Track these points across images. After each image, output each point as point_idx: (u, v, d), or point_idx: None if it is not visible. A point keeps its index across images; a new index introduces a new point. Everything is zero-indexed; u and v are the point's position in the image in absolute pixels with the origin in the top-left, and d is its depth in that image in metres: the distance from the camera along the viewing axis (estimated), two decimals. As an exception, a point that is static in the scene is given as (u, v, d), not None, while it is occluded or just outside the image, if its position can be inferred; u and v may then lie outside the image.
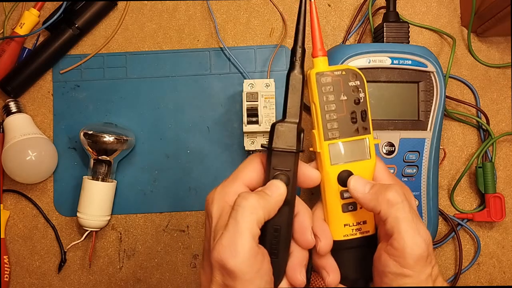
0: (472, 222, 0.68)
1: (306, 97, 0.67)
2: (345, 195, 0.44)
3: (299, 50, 0.43)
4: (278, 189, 0.41)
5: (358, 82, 0.43)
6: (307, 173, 0.43)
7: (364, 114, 0.43)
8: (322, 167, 0.44)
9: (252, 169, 0.43)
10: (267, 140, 0.43)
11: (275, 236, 0.41)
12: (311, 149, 0.44)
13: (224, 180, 0.43)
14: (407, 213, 0.40)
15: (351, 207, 0.44)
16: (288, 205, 0.41)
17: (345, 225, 0.44)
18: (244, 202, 0.39)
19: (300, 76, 0.42)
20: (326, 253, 0.44)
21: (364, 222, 0.44)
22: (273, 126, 0.42)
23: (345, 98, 0.43)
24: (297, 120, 0.42)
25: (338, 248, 0.44)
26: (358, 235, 0.44)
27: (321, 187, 0.45)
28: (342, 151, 0.43)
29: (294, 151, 0.41)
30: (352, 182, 0.42)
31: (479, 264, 0.68)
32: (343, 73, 0.43)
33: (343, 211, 0.44)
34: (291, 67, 0.43)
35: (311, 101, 0.43)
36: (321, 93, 0.43)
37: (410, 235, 0.39)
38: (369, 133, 0.44)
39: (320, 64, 0.43)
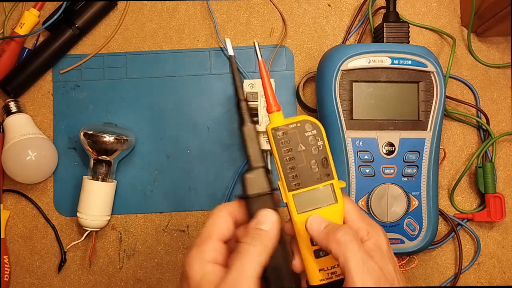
0: (472, 222, 0.68)
1: (309, 101, 0.66)
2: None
3: (243, 104, 0.45)
4: (272, 219, 0.42)
5: (315, 132, 0.45)
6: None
7: (325, 161, 0.44)
8: (291, 216, 0.45)
9: (223, 224, 0.44)
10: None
11: (278, 277, 0.43)
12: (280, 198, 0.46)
13: (197, 239, 0.43)
14: (356, 252, 0.40)
15: (323, 253, 0.45)
16: (280, 242, 0.43)
17: (320, 270, 0.45)
18: (250, 247, 0.40)
19: (252, 125, 0.45)
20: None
21: (338, 265, 0.45)
22: (242, 176, 0.44)
23: (303, 148, 0.44)
24: (262, 164, 0.44)
25: None
26: (334, 278, 0.45)
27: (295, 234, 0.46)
28: (306, 200, 0.44)
29: (269, 192, 0.43)
30: (308, 221, 0.44)
31: (479, 264, 0.68)
32: (298, 125, 0.45)
33: (316, 257, 0.45)
34: (242, 121, 0.45)
35: (273, 155, 0.45)
36: (279, 147, 0.44)
37: (359, 273, 0.40)
38: (332, 178, 0.44)
39: (275, 119, 0.45)
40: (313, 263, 0.45)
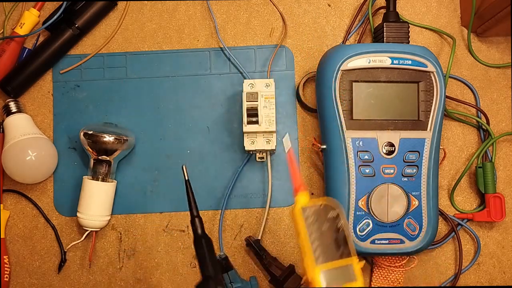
0: (472, 222, 0.68)
1: (309, 101, 0.67)
2: None
3: (196, 220, 0.51)
4: None
5: (336, 213, 0.48)
6: None
7: (344, 240, 0.48)
8: None
9: None
10: None
11: None
12: (302, 283, 0.50)
13: None
14: None
15: None
16: None
17: None
18: None
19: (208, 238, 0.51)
20: None
21: None
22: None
23: (327, 226, 0.48)
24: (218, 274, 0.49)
25: None
26: None
27: None
28: (331, 275, 0.47)
29: None
30: None
31: (479, 264, 0.68)
32: (321, 206, 0.49)
33: None
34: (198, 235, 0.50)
35: (297, 234, 0.49)
36: (308, 225, 0.48)
37: None
38: (351, 256, 0.48)
39: (302, 199, 0.49)
40: None
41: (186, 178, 0.52)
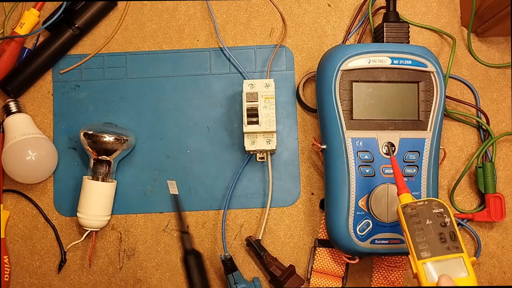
0: (472, 222, 0.68)
1: (309, 101, 0.67)
2: None
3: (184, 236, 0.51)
4: None
5: (441, 210, 0.49)
6: None
7: (453, 235, 0.48)
8: (422, 285, 0.47)
9: None
10: None
11: None
12: (413, 277, 0.48)
13: None
14: None
15: None
16: None
17: None
18: None
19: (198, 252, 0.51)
20: None
21: None
22: None
23: (431, 222, 0.48)
24: None
25: None
26: None
27: None
28: (437, 268, 0.46)
29: None
30: (443, 280, 0.45)
31: (479, 264, 0.68)
32: (425, 203, 0.50)
33: None
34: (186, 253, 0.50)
35: (403, 230, 0.49)
36: (408, 220, 0.49)
37: None
38: (462, 251, 0.47)
39: (404, 199, 0.52)
40: None
41: (176, 193, 0.51)
